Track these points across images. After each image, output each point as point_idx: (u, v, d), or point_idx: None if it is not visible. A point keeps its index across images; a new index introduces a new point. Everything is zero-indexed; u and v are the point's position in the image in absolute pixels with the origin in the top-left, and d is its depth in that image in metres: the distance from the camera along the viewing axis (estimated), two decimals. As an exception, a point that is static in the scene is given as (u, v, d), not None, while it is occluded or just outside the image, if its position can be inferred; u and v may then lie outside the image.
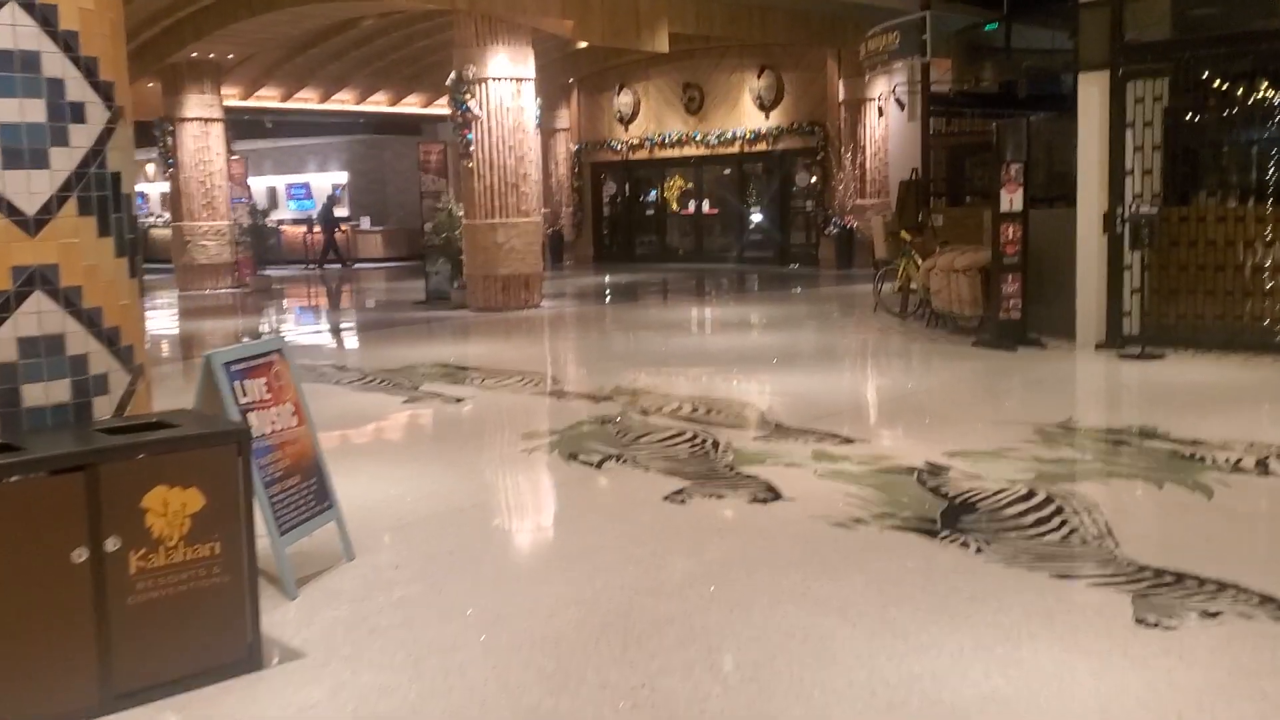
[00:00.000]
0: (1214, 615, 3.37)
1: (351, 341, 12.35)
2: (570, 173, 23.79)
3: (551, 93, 22.14)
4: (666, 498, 4.89)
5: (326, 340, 12.42)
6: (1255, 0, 9.13)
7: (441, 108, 15.58)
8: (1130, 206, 8.67)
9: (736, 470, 5.34)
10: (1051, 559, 3.95)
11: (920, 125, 14.31)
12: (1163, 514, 4.64)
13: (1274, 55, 9.18)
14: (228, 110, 19.25)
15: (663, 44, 14.86)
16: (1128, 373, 8.12)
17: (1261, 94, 9.58)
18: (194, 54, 17.47)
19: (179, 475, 3.04)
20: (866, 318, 11.92)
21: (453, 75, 13.53)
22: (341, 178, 28.58)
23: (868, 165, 19.11)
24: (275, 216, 27.67)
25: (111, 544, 2.92)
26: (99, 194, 3.27)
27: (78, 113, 3.20)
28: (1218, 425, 6.04)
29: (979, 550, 4.05)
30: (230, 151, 19.17)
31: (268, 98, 21.99)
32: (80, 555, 2.88)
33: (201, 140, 18.39)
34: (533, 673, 3.10)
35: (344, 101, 23.11)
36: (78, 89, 3.20)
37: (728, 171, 21.88)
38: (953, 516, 4.48)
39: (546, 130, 22.55)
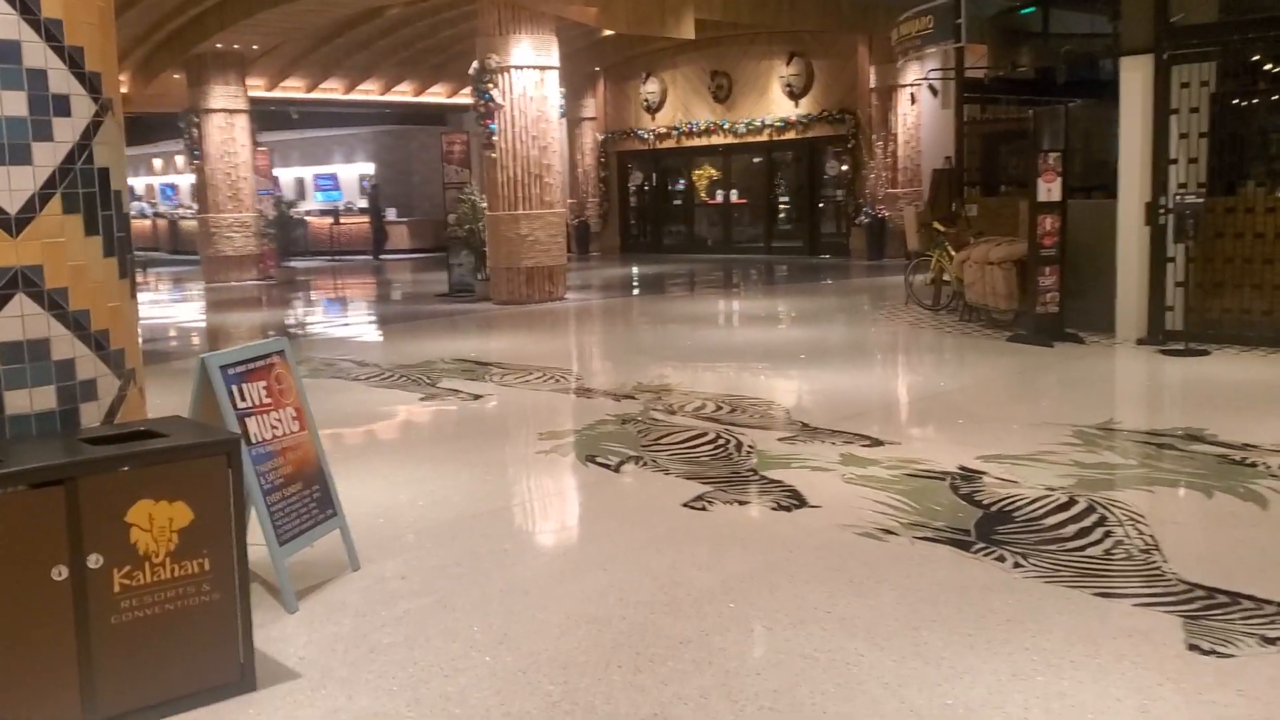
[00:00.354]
0: (1275, 642, 3.12)
1: (372, 335, 12.23)
2: (597, 162, 23.58)
3: (577, 81, 21.92)
4: (687, 504, 4.69)
5: (346, 334, 12.31)
6: (1308, -20, 8.75)
7: (467, 97, 15.42)
8: (1174, 196, 8.35)
9: (760, 474, 5.14)
10: (1094, 575, 3.71)
11: (954, 112, 13.92)
12: (1213, 525, 4.37)
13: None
14: (253, 101, 19.22)
15: (689, 30, 14.58)
16: (1170, 370, 7.81)
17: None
18: (219, 45, 17.44)
19: (165, 488, 2.88)
20: (898, 310, 11.64)
21: (475, 64, 13.37)
22: (369, 169, 28.54)
23: (899, 154, 18.76)
24: (302, 208, 27.70)
25: (94, 561, 2.78)
26: (86, 191, 3.12)
27: (61, 105, 3.04)
28: (1270, 428, 5.75)
29: (1016, 565, 3.82)
30: (256, 143, 19.13)
31: (292, 88, 21.98)
32: (60, 573, 2.73)
33: (227, 132, 18.36)
34: (538, 699, 2.91)
35: (369, 92, 23.03)
36: (61, 80, 3.04)
37: (757, 160, 21.57)
38: (988, 527, 4.25)
39: (572, 120, 22.35)
